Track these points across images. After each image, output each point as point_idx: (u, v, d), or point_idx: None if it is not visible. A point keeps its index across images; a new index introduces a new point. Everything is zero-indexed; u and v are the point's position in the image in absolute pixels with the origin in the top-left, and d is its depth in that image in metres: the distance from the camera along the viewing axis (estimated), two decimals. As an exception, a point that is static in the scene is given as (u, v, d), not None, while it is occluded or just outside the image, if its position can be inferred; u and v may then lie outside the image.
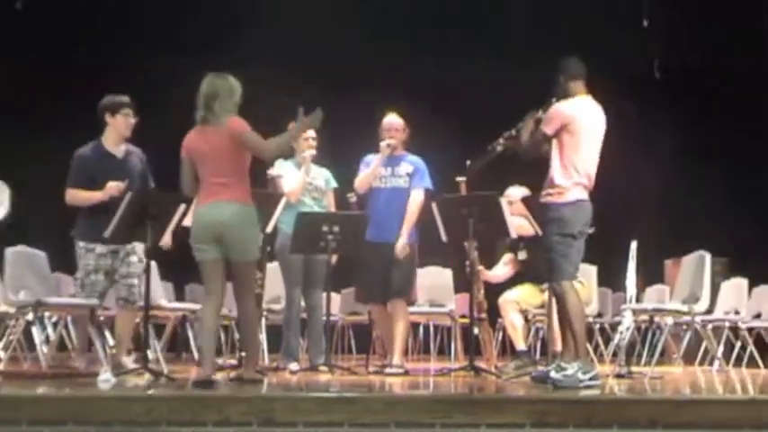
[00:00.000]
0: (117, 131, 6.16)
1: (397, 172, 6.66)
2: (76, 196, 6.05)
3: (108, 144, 6.17)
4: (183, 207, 5.60)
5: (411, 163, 6.68)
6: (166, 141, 5.75)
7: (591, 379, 5.03)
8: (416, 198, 6.57)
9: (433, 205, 6.35)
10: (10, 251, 6.51)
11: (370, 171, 6.62)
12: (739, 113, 10.39)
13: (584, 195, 5.27)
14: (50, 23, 10.29)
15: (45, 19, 10.17)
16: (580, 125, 5.24)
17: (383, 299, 6.67)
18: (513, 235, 6.49)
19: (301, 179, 6.70)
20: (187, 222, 5.69)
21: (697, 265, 6.94)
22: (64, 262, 6.94)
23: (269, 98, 8.49)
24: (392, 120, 6.72)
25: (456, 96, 10.70)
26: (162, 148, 6.00)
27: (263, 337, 7.44)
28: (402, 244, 6.49)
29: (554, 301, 5.95)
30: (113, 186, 5.92)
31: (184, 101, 5.28)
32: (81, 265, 6.09)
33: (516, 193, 6.77)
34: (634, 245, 7.24)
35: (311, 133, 6.77)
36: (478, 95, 10.63)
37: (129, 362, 6.06)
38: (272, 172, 6.73)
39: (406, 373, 6.40)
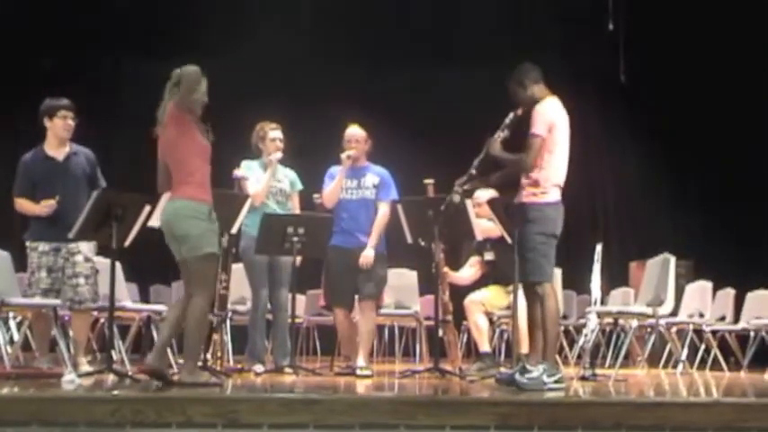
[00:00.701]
0: (56, 134, 6.16)
1: (363, 183, 6.70)
2: (21, 205, 6.14)
3: (49, 148, 6.19)
4: (147, 208, 5.60)
5: (377, 174, 6.72)
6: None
7: (556, 382, 5.05)
8: (384, 212, 6.60)
9: (399, 207, 6.39)
10: (-27, 252, 6.46)
11: (336, 184, 6.65)
12: (704, 118, 10.50)
13: (560, 196, 5.28)
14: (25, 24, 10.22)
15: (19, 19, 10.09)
16: (558, 126, 5.24)
17: (349, 303, 6.69)
18: (479, 237, 6.52)
19: (266, 182, 6.69)
20: (152, 223, 5.69)
21: (661, 267, 7.00)
22: (27, 263, 6.90)
23: (237, 110, 8.54)
24: (353, 131, 6.74)
25: (418, 107, 10.77)
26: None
27: (227, 338, 7.42)
28: (367, 255, 6.52)
29: (520, 302, 5.99)
30: (45, 206, 5.98)
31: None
32: (28, 263, 6.13)
33: (484, 194, 6.80)
34: (599, 247, 7.30)
35: (278, 134, 6.78)
36: (439, 105, 10.72)
37: (84, 363, 6.05)
38: (238, 173, 6.73)
39: (372, 374, 6.41)
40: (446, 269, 6.82)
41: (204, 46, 9.26)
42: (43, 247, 6.04)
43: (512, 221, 5.48)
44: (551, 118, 5.22)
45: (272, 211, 6.67)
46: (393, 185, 6.72)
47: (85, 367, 5.95)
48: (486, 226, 6.60)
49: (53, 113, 6.14)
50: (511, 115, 5.38)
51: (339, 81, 10.59)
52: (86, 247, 6.06)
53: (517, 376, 5.08)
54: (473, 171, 5.53)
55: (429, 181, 6.59)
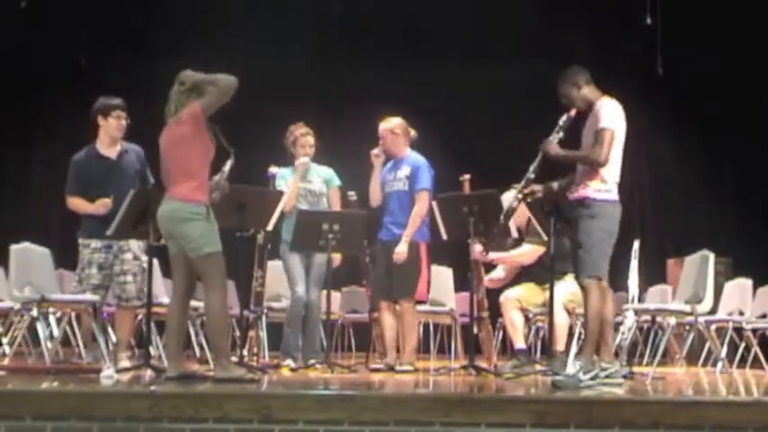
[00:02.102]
0: (109, 133, 6.23)
1: (398, 176, 6.73)
2: (74, 204, 6.20)
3: (101, 147, 6.26)
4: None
5: (409, 164, 6.71)
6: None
7: (591, 379, 5.03)
8: (419, 203, 6.60)
9: (434, 204, 6.39)
10: (15, 248, 6.58)
11: (373, 182, 6.77)
12: (744, 112, 10.37)
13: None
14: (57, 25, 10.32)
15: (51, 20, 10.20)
16: (621, 124, 5.33)
17: (390, 296, 6.72)
18: (515, 234, 6.49)
19: (293, 186, 6.72)
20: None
21: (700, 264, 6.92)
22: (67, 259, 7.01)
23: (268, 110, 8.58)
24: (380, 127, 6.79)
25: (456, 101, 10.74)
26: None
27: (263, 334, 7.47)
28: (398, 251, 6.52)
29: (556, 300, 5.97)
30: (101, 204, 6.04)
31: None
32: (79, 260, 6.20)
33: (510, 196, 6.72)
34: (636, 244, 7.24)
35: (309, 140, 6.82)
36: (471, 102, 10.67)
37: (123, 358, 6.11)
38: (273, 170, 6.78)
39: (416, 371, 6.47)
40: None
41: (218, 46, 9.35)
42: (95, 244, 6.11)
43: (567, 218, 5.45)
44: (617, 115, 5.30)
45: None
46: (422, 172, 6.64)
47: (124, 363, 6.02)
48: (525, 250, 6.61)
49: (108, 113, 6.21)
50: (564, 117, 5.40)
51: (362, 80, 10.59)
52: (136, 246, 6.14)
53: (557, 376, 5.12)
54: (531, 176, 5.52)
55: (465, 177, 6.57)
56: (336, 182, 6.97)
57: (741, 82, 10.20)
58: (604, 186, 5.25)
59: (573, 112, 5.40)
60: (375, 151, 6.71)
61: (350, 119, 9.65)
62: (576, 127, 5.44)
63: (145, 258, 6.15)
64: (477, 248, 6.37)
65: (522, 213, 6.51)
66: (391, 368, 6.48)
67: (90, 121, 6.27)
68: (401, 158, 6.74)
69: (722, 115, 10.50)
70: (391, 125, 6.73)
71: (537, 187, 5.59)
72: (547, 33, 10.04)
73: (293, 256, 6.69)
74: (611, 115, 5.27)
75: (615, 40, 10.22)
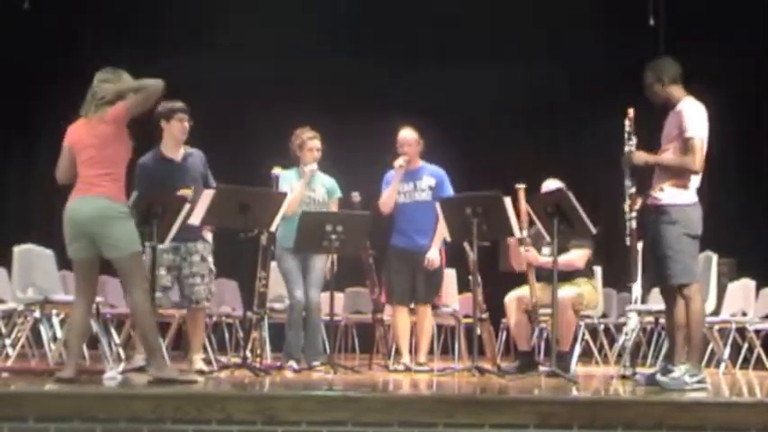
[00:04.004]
0: (173, 137, 6.20)
1: (419, 186, 6.81)
2: None
3: (166, 150, 6.24)
4: (187, 206, 5.66)
5: (432, 175, 6.82)
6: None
7: (698, 382, 5.04)
8: None
9: (437, 205, 6.41)
10: (18, 249, 6.59)
11: (391, 190, 6.79)
12: (747, 112, 10.36)
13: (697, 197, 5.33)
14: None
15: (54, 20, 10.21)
16: (704, 129, 5.35)
17: (407, 302, 6.84)
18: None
19: (299, 192, 6.72)
20: (193, 221, 5.76)
21: (703, 265, 6.90)
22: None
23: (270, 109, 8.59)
24: (404, 135, 6.83)
25: (456, 100, 10.75)
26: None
27: (265, 335, 7.48)
28: (432, 257, 6.66)
29: (563, 300, 5.94)
30: (182, 195, 5.96)
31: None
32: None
33: (552, 185, 6.62)
34: (640, 245, 7.20)
35: (316, 144, 6.81)
36: (481, 98, 10.68)
37: (198, 360, 6.11)
38: (276, 172, 6.78)
39: (432, 370, 6.58)
40: (530, 248, 6.51)
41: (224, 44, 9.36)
42: (163, 245, 6.02)
43: (644, 223, 5.41)
44: (702, 119, 5.32)
45: None
46: (447, 182, 6.82)
47: (200, 365, 6.01)
48: (578, 254, 6.46)
49: (170, 116, 6.17)
50: (627, 122, 5.39)
51: (364, 80, 10.59)
52: (202, 247, 6.16)
53: (659, 376, 5.13)
54: (633, 190, 5.40)
55: (520, 185, 6.37)
56: (338, 194, 6.96)
57: (742, 82, 10.19)
58: (683, 191, 5.25)
59: (632, 114, 5.38)
60: (400, 162, 6.76)
61: (352, 119, 9.65)
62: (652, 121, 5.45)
63: (211, 260, 6.20)
64: (528, 253, 6.31)
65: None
66: (408, 369, 6.59)
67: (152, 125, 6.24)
68: (417, 168, 6.85)
69: (725, 115, 10.47)
70: (416, 135, 6.82)
71: (640, 199, 5.46)
72: (548, 33, 10.03)
73: (289, 259, 6.68)
74: (695, 120, 5.25)
75: (618, 40, 10.21)
